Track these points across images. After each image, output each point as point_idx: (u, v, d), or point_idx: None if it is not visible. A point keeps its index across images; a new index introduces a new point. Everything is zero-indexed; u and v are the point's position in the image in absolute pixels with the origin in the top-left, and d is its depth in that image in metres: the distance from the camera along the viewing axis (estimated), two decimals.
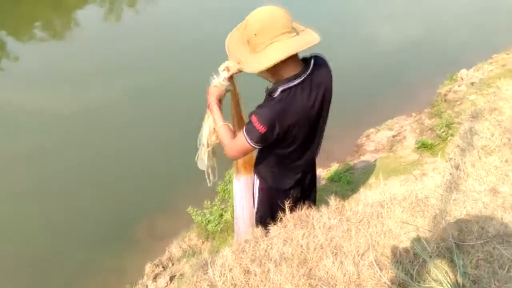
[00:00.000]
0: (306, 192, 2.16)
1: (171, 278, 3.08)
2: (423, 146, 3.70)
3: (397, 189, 2.84)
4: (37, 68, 7.27)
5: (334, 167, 4.00)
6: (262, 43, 1.56)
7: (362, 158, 4.20)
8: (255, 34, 1.56)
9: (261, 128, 1.61)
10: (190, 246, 3.53)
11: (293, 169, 1.96)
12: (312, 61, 1.68)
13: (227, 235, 3.22)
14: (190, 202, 3.58)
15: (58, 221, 4.03)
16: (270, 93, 1.67)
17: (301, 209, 1.99)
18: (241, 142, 1.70)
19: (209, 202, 3.50)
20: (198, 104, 2.18)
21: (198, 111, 2.08)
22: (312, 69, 1.66)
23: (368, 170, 3.67)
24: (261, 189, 2.05)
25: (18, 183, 4.49)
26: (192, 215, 3.46)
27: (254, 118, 1.62)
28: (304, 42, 1.58)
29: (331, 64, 1.77)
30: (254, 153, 2.01)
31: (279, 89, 1.63)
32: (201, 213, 3.44)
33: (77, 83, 6.36)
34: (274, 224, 1.95)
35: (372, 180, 3.47)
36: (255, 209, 2.12)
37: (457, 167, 2.23)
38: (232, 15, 1.79)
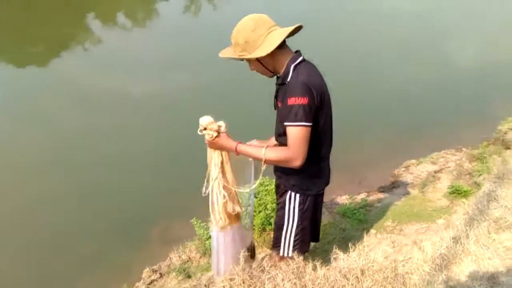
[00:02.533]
0: None
1: None
2: (456, 192, 3.28)
3: (381, 252, 2.55)
4: (116, 51, 7.81)
5: (353, 200, 3.70)
6: (261, 35, 1.71)
7: (392, 192, 3.84)
8: (253, 30, 1.71)
9: (302, 100, 1.66)
10: (189, 258, 3.48)
11: (324, 168, 1.99)
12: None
13: None
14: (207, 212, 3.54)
15: (79, 211, 4.18)
16: (283, 80, 1.77)
17: (258, 260, 1.81)
18: (296, 135, 1.68)
19: None
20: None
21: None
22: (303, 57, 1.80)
23: (387, 209, 3.34)
24: (301, 202, 1.97)
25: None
26: (195, 227, 3.40)
27: (291, 99, 1.66)
28: (294, 26, 1.74)
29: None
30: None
31: (291, 68, 1.74)
32: (204, 226, 3.36)
33: (151, 70, 6.70)
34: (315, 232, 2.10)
35: (388, 223, 3.15)
36: (295, 225, 2.01)
37: (457, 241, 1.90)
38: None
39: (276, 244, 2.11)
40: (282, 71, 1.80)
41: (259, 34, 1.71)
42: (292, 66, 1.75)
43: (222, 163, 1.95)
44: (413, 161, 4.40)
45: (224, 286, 1.71)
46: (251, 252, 2.37)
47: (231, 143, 1.83)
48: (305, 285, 1.72)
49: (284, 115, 1.72)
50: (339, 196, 4.10)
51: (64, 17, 9.52)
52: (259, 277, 1.73)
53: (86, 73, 6.86)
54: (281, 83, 1.80)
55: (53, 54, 8.00)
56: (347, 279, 1.74)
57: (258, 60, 1.77)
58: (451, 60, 6.94)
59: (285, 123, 1.70)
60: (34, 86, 6.51)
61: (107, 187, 4.51)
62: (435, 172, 4.02)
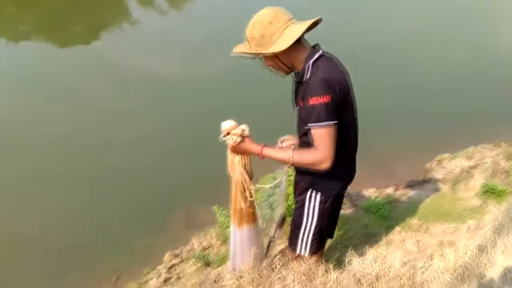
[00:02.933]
0: None
1: (177, 277, 3.08)
2: (490, 191, 3.11)
3: (404, 252, 2.46)
4: (153, 33, 7.89)
5: (379, 193, 3.58)
6: (278, 28, 1.63)
7: (421, 187, 3.68)
8: (270, 23, 1.63)
9: (324, 99, 1.59)
10: (210, 244, 3.49)
11: (349, 166, 1.92)
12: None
13: None
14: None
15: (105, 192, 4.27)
16: (301, 79, 1.69)
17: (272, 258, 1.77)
18: (321, 136, 1.62)
19: None
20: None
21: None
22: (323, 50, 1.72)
23: (414, 206, 3.20)
24: (322, 201, 1.90)
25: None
26: (216, 214, 3.39)
27: (312, 99, 1.60)
28: (313, 20, 1.66)
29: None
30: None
31: (309, 65, 1.66)
32: (225, 214, 3.35)
33: (186, 52, 6.77)
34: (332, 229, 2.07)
35: (414, 220, 3.03)
36: (314, 225, 1.96)
37: (483, 249, 1.78)
38: None
39: (292, 243, 2.06)
40: (300, 68, 1.70)
41: (277, 27, 1.63)
42: (311, 62, 1.66)
43: (244, 166, 1.92)
44: (447, 155, 4.19)
45: (233, 283, 1.68)
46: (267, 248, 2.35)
47: (255, 147, 1.77)
48: None
49: (307, 115, 1.64)
50: (366, 188, 3.98)
51: None
52: (269, 276, 1.70)
53: (122, 54, 6.97)
54: (300, 81, 1.71)
55: (92, 35, 8.18)
56: (361, 284, 1.67)
57: (275, 55, 1.68)
58: (495, 48, 6.53)
59: (309, 125, 1.63)
60: (71, 65, 6.67)
61: (135, 168, 4.57)
62: (470, 168, 3.82)
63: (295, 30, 1.63)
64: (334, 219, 2.11)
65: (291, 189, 3.27)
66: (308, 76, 1.66)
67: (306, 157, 1.68)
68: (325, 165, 1.64)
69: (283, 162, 1.77)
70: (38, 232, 3.88)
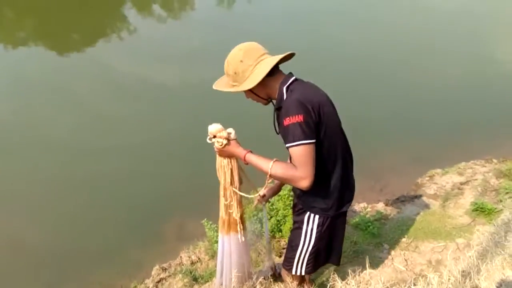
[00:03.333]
0: None
1: None
2: (479, 209, 3.10)
3: (392, 270, 2.44)
4: (150, 41, 7.94)
5: (370, 208, 3.56)
6: (249, 66, 1.68)
7: (412, 203, 3.67)
8: (241, 61, 1.68)
9: (298, 118, 1.58)
10: (198, 259, 3.47)
11: (343, 184, 1.85)
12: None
13: None
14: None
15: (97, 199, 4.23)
16: (279, 104, 1.71)
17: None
18: (298, 154, 1.60)
19: None
20: None
21: None
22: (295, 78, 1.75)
23: (404, 224, 3.19)
24: (320, 224, 1.89)
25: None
26: (206, 228, 3.37)
27: (286, 120, 1.60)
28: (285, 54, 1.71)
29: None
30: None
31: (283, 89, 1.69)
32: (214, 228, 3.33)
33: (182, 60, 6.76)
34: (330, 254, 2.03)
35: (403, 238, 3.02)
36: (311, 246, 1.94)
37: (467, 275, 1.77)
38: None
39: (288, 264, 2.06)
40: (276, 96, 1.74)
41: (248, 65, 1.68)
42: (284, 88, 1.69)
43: (231, 170, 1.95)
44: (439, 170, 4.20)
45: None
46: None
47: (240, 151, 1.80)
48: None
49: (284, 137, 1.64)
50: (358, 203, 3.96)
51: (101, 5, 9.70)
52: None
53: (120, 61, 7.00)
54: (278, 108, 1.73)
55: (90, 42, 8.18)
56: None
57: (250, 90, 1.74)
58: (492, 62, 6.56)
59: (286, 145, 1.63)
60: (69, 71, 6.70)
61: (129, 176, 4.54)
62: (461, 184, 3.82)
63: (265, 65, 1.67)
64: (336, 240, 2.03)
65: (281, 204, 3.28)
66: (284, 99, 1.68)
67: (285, 171, 1.65)
68: (304, 184, 1.61)
69: (263, 171, 1.72)
70: (30, 238, 3.83)
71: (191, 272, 3.11)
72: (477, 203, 3.16)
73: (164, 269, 3.49)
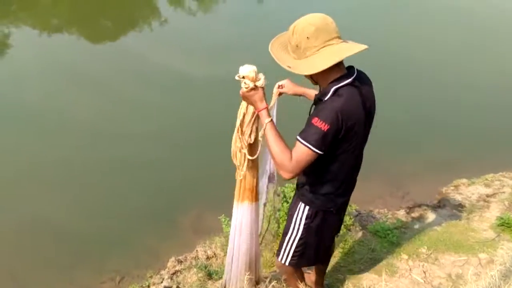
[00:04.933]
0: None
1: (176, 286, 3.07)
2: (505, 225, 2.99)
3: (407, 287, 2.38)
4: (180, 33, 7.96)
5: (391, 215, 3.49)
6: (315, 46, 1.56)
7: (434, 212, 3.58)
8: (308, 38, 1.55)
9: (324, 126, 1.56)
10: (214, 254, 3.48)
11: (345, 187, 1.87)
12: (355, 69, 1.69)
13: None
14: None
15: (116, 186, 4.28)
16: (320, 97, 1.65)
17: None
18: (300, 153, 1.60)
19: None
20: None
21: None
22: (358, 73, 1.67)
23: (425, 234, 3.11)
24: (310, 215, 1.90)
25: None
26: (223, 224, 3.38)
27: (315, 119, 1.58)
28: (355, 47, 1.58)
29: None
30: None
31: (332, 89, 1.61)
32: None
33: (212, 53, 6.78)
34: (318, 255, 2.01)
35: (422, 249, 2.94)
36: (298, 236, 1.95)
37: None
38: None
39: (278, 250, 2.09)
40: (323, 87, 1.67)
41: (313, 45, 1.56)
42: (333, 88, 1.61)
43: (252, 122, 1.90)
44: (465, 180, 4.09)
45: None
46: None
47: (260, 103, 1.71)
48: None
49: (304, 127, 1.64)
50: (378, 209, 3.90)
51: None
52: None
53: (149, 50, 7.05)
54: (320, 98, 1.67)
55: (121, 31, 8.29)
56: None
57: None
58: None
59: (298, 136, 1.62)
60: (99, 58, 6.82)
61: (150, 164, 4.56)
62: (487, 196, 3.70)
63: (330, 55, 1.55)
64: (325, 240, 2.04)
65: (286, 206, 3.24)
66: (326, 98, 1.62)
67: (278, 153, 1.63)
68: (285, 175, 1.64)
69: (265, 137, 1.72)
70: (49, 220, 3.89)
71: (206, 267, 3.12)
72: (503, 217, 3.05)
73: (180, 262, 3.51)
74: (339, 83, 1.61)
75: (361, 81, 1.68)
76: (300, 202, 1.91)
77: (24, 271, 3.54)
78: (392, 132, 4.75)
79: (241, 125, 1.91)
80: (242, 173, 2.02)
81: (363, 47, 1.58)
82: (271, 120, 1.70)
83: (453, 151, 4.67)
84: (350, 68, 1.69)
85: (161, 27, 8.56)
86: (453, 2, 8.51)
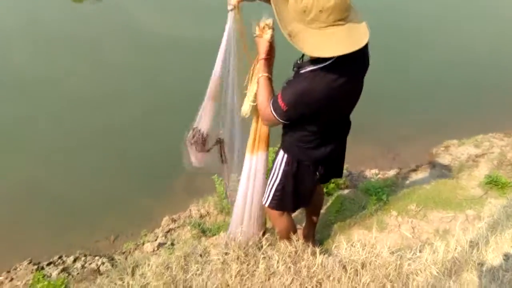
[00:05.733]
0: (333, 168, 2.17)
1: (171, 243, 3.13)
2: (492, 183, 3.05)
3: (398, 237, 2.44)
4: None
5: (382, 175, 3.54)
6: (322, 22, 1.44)
7: (424, 172, 3.64)
8: (321, 11, 1.42)
9: (284, 107, 1.66)
10: (207, 213, 3.53)
11: (321, 146, 1.92)
12: None
13: None
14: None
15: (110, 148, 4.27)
16: (298, 68, 1.67)
17: (261, 235, 1.77)
18: (268, 112, 1.75)
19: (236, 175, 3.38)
20: None
21: None
22: (346, 55, 1.49)
23: (414, 192, 3.17)
24: (287, 163, 2.00)
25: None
26: (216, 184, 3.40)
27: (279, 95, 1.68)
28: (360, 38, 1.48)
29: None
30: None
31: (309, 68, 1.60)
32: (224, 184, 3.35)
33: (201, 14, 6.43)
34: (297, 201, 2.08)
35: (412, 206, 3.00)
36: (278, 181, 2.04)
37: (474, 245, 1.76)
38: None
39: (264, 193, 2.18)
40: (306, 58, 1.65)
41: (321, 20, 1.44)
42: (311, 67, 1.58)
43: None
44: (455, 141, 4.13)
45: (218, 259, 1.69)
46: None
47: (261, 55, 1.83)
48: (300, 271, 1.67)
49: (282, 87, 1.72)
50: (369, 169, 3.95)
51: None
52: (254, 255, 1.70)
53: (139, 11, 6.82)
54: (297, 67, 1.68)
55: None
56: (345, 270, 1.67)
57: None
58: None
59: (272, 99, 1.74)
60: (83, 18, 6.58)
61: (143, 126, 4.55)
62: (476, 156, 3.75)
63: (336, 44, 1.46)
64: (302, 188, 2.08)
65: None
66: (304, 71, 1.61)
67: (260, 100, 1.83)
68: (263, 122, 1.96)
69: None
70: (44, 183, 3.91)
71: (199, 225, 3.16)
72: (491, 176, 3.11)
73: (174, 220, 3.57)
74: (320, 64, 1.55)
75: (345, 61, 1.54)
76: (281, 150, 2.01)
77: (19, 232, 3.55)
78: (383, 95, 4.73)
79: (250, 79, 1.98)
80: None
81: (366, 37, 1.49)
82: (266, 76, 1.82)
83: (444, 113, 4.68)
84: None
85: None
86: None
